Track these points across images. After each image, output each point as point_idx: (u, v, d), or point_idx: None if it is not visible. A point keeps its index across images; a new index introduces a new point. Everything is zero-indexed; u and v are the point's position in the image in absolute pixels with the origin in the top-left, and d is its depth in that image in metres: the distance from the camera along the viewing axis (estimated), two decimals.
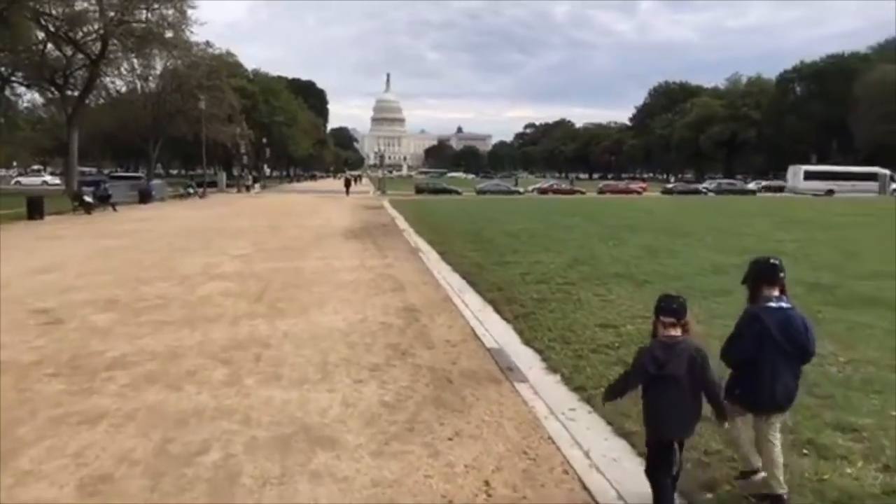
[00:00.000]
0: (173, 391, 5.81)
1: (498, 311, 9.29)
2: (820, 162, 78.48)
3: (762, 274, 3.92)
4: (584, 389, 5.88)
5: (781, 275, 3.89)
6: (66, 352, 6.95)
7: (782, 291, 3.87)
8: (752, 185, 75.00)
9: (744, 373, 3.89)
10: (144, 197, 37.61)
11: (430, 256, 15.57)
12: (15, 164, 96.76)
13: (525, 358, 6.99)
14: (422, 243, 18.29)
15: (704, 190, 69.51)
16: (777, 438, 3.92)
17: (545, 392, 5.92)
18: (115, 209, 30.06)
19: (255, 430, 4.98)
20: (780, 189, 68.60)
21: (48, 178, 75.12)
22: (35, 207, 24.82)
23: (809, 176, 67.68)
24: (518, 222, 24.28)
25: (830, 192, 60.80)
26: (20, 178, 75.33)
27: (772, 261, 3.97)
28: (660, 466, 3.71)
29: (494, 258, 14.51)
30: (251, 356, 6.93)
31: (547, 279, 11.55)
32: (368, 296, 10.50)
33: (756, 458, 4.03)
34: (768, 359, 3.77)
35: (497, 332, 8.13)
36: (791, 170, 71.89)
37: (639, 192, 66.94)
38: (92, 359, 6.73)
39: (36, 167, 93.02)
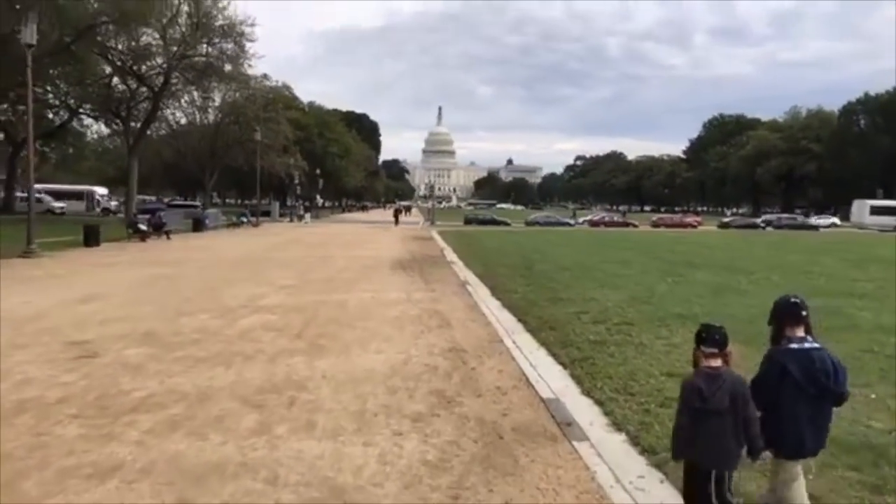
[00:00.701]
0: (197, 439, 5.31)
1: (552, 353, 8.59)
2: (886, 197, 75.12)
3: (784, 313, 3.78)
4: (653, 452, 5.15)
5: (804, 313, 3.73)
6: (93, 390, 6.56)
7: (807, 331, 3.72)
8: (814, 220, 71.98)
9: (769, 416, 3.69)
10: (198, 225, 38.21)
11: (479, 291, 14.96)
12: None
13: (585, 411, 6.28)
14: (470, 276, 17.72)
15: (763, 224, 67.19)
16: (800, 485, 3.77)
17: (609, 454, 5.20)
18: (168, 237, 30.48)
19: (281, 491, 4.41)
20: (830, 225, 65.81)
21: (113, 205, 77.72)
22: (91, 235, 25.24)
23: (876, 211, 65.01)
24: (570, 255, 23.53)
25: None
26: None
27: (793, 300, 3.82)
28: (696, 494, 3.64)
29: (547, 294, 13.82)
30: (285, 400, 6.41)
31: (604, 318, 10.81)
32: (414, 334, 9.94)
33: None
34: (789, 402, 3.63)
35: (552, 378, 7.43)
36: (856, 204, 69.11)
37: (694, 226, 65.12)
38: (118, 399, 6.31)
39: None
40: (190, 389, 6.67)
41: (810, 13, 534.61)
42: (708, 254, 24.77)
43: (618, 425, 5.83)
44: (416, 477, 4.70)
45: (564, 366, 7.96)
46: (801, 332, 3.69)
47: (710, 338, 3.62)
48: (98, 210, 63.77)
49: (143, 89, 45.19)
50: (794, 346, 3.66)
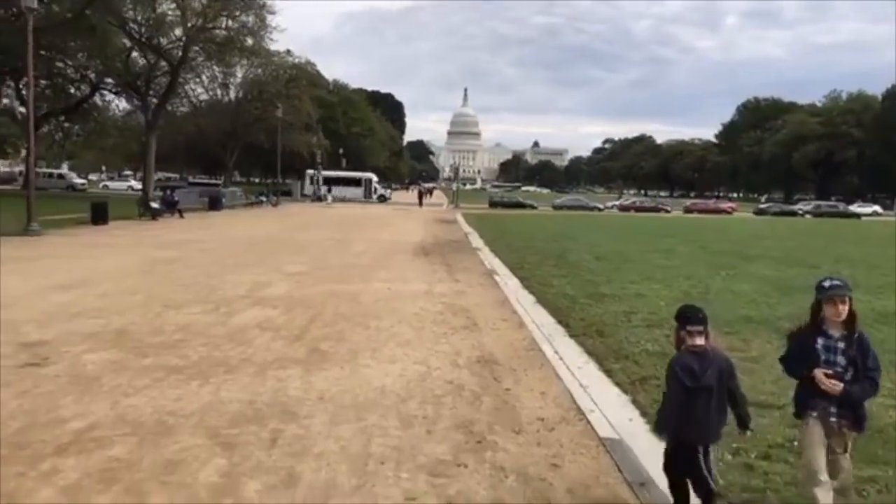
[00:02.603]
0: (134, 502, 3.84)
1: (605, 369, 6.98)
2: None
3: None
4: None
5: None
6: (20, 416, 5.11)
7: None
8: (856, 208, 68.84)
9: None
10: (214, 204, 37.00)
11: (509, 282, 13.38)
12: (104, 168, 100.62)
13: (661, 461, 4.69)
14: (498, 265, 16.12)
15: (801, 211, 64.44)
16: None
17: None
18: (181, 216, 29.26)
19: None
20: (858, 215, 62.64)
21: (134, 183, 77.01)
22: (99, 212, 24.06)
23: None
24: (605, 243, 21.79)
25: None
26: (108, 183, 77.49)
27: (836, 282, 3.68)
28: (682, 469, 3.77)
29: (587, 288, 12.19)
30: (266, 436, 4.91)
31: (659, 321, 9.13)
32: (435, 336, 8.40)
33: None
34: None
35: (610, 406, 5.84)
36: None
37: (729, 212, 62.64)
38: (48, 430, 4.86)
39: (127, 172, 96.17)
40: (147, 417, 5.20)
41: None
42: (758, 244, 22.80)
43: None
44: None
45: (622, 387, 6.35)
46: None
47: (695, 317, 3.73)
48: (374, 197, 64.55)
49: (163, 64, 43.97)
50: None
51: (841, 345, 3.63)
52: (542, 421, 5.47)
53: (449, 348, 7.80)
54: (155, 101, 45.21)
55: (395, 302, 10.72)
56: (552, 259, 16.94)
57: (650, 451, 4.77)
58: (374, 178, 72.11)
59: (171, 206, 29.36)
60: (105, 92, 53.08)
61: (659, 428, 3.90)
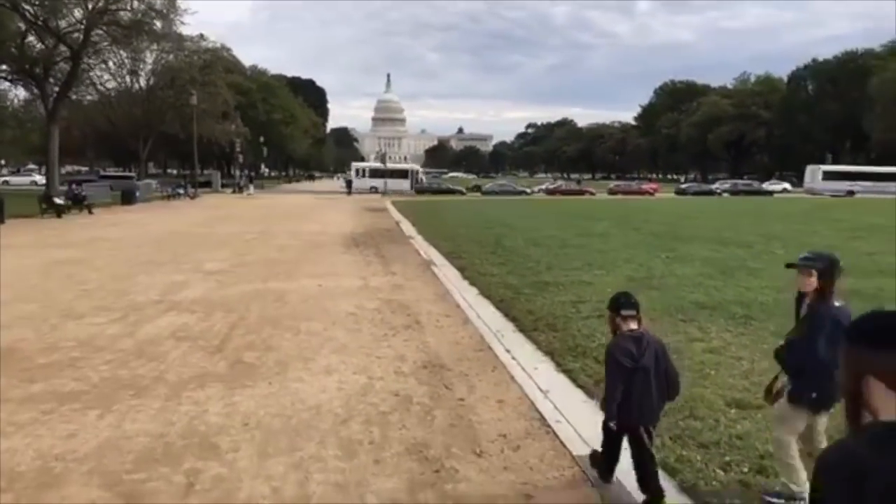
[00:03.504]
0: None
1: (564, 369, 6.39)
2: (834, 163, 75.47)
3: (836, 271, 3.80)
4: None
5: None
6: None
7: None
8: (767, 186, 71.81)
9: (816, 374, 3.60)
10: (128, 198, 34.72)
11: (447, 273, 12.71)
12: (3, 162, 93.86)
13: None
14: (434, 254, 15.43)
15: (718, 191, 66.56)
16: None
17: None
18: (90, 212, 27.15)
19: None
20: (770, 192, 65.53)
21: (38, 178, 71.97)
22: None
23: (828, 176, 64.98)
24: (540, 228, 21.42)
25: (851, 193, 58.07)
26: (8, 178, 72.18)
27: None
28: (616, 453, 4.00)
29: (529, 277, 11.65)
30: (180, 481, 4.05)
31: None
32: (374, 339, 7.62)
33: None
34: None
35: (577, 413, 5.24)
36: (809, 170, 69.09)
37: (651, 193, 63.93)
38: None
39: (31, 167, 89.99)
40: (28, 465, 4.23)
41: None
42: (689, 224, 22.93)
43: None
44: None
45: (587, 391, 5.76)
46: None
47: (628, 302, 3.90)
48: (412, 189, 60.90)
49: (63, 49, 40.81)
50: (838, 303, 3.72)
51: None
52: (504, 437, 4.81)
53: (391, 352, 7.05)
54: (56, 89, 42.00)
55: (326, 300, 9.86)
56: (489, 246, 16.36)
57: (632, 472, 4.19)
58: (420, 169, 71.09)
59: (78, 201, 27.17)
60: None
61: (608, 415, 3.83)
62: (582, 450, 4.56)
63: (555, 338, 7.49)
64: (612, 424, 3.83)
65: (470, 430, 4.96)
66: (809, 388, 3.70)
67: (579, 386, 5.88)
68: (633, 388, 3.72)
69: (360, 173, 63.46)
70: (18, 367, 6.28)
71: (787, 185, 76.92)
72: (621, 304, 3.90)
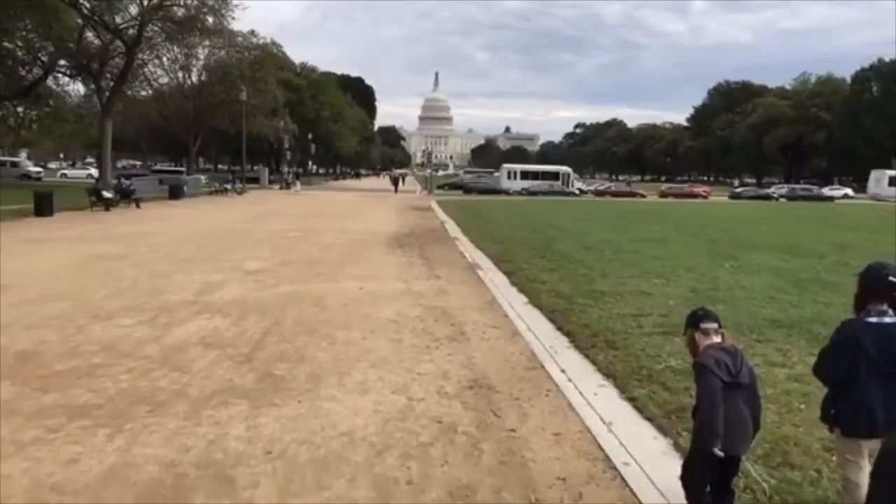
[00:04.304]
0: None
1: (628, 397, 5.64)
2: None
3: (874, 285, 3.28)
4: None
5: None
6: None
7: (891, 306, 3.22)
8: (828, 191, 68.80)
9: (839, 392, 3.29)
10: (176, 193, 34.98)
11: (494, 278, 12.02)
12: (62, 155, 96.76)
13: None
14: (480, 257, 14.76)
15: (775, 195, 64.08)
16: (865, 468, 3.17)
17: None
18: (138, 206, 27.31)
19: None
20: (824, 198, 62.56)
21: (94, 171, 73.90)
22: (44, 203, 22.12)
23: (895, 182, 61.98)
24: (591, 231, 20.54)
25: None
26: (66, 171, 74.28)
27: (886, 273, 3.28)
28: (710, 483, 3.34)
29: (582, 285, 10.87)
30: None
31: (675, 327, 7.77)
32: (416, 351, 6.99)
33: None
34: (861, 379, 3.19)
35: (650, 457, 4.47)
36: (874, 175, 66.15)
37: (704, 196, 62.02)
38: None
39: (89, 160, 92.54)
40: (21, 496, 3.72)
41: None
42: (750, 230, 21.71)
43: None
44: None
45: (657, 424, 5.01)
46: (883, 307, 3.21)
47: (708, 314, 3.48)
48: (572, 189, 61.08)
49: (119, 44, 41.50)
50: (872, 319, 3.21)
51: None
52: (563, 482, 4.11)
53: (433, 368, 6.41)
54: (111, 84, 42.75)
55: (367, 305, 9.29)
56: (538, 250, 15.61)
57: None
58: (571, 171, 68.01)
59: (126, 195, 27.38)
60: (59, 75, 50.48)
61: (709, 439, 3.15)
62: (656, 500, 3.84)
63: (615, 357, 6.74)
64: (717, 450, 3.12)
65: (523, 470, 4.27)
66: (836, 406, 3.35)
67: (648, 419, 5.13)
68: (730, 409, 3.19)
69: (512, 175, 61.69)
70: (34, 375, 5.85)
71: (848, 191, 73.67)
72: (699, 316, 3.45)
